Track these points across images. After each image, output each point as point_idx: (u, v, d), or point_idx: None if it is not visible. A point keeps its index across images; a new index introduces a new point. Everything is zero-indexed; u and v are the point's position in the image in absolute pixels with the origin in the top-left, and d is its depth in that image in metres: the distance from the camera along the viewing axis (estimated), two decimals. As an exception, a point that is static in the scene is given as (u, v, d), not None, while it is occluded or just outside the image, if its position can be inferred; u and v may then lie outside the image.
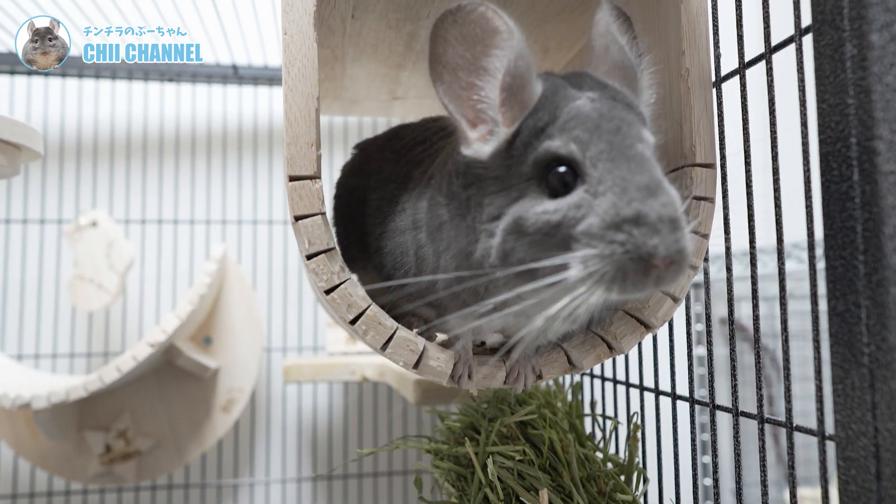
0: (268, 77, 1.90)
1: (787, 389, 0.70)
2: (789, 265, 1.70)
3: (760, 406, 0.75)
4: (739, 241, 0.79)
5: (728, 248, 0.77)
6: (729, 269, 0.79)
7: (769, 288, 1.88)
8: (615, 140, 0.58)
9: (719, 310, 2.13)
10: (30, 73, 1.80)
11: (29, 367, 1.78)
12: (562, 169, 0.59)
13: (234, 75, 1.87)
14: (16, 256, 1.83)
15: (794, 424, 0.70)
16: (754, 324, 0.75)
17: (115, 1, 1.59)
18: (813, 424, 0.67)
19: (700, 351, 1.93)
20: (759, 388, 0.75)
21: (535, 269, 0.59)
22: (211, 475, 1.88)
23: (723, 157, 0.82)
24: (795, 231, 0.82)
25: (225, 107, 1.96)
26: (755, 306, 0.75)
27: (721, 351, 2.02)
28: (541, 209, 0.59)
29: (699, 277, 0.85)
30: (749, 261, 0.75)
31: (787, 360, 0.70)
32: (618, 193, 0.55)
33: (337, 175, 1.03)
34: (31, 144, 1.04)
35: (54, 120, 1.88)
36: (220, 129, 1.96)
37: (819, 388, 0.66)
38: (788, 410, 0.70)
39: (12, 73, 1.80)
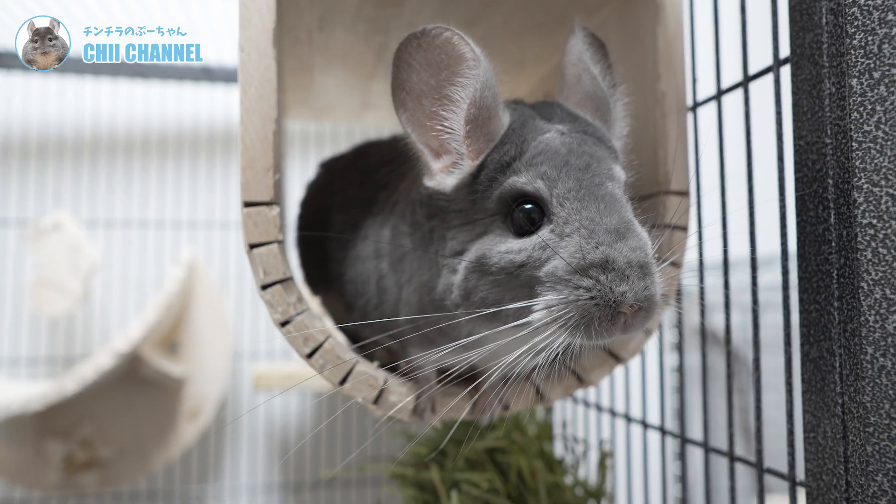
0: (240, 77, 1.84)
1: (759, 430, 0.68)
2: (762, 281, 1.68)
3: (731, 444, 0.73)
4: (713, 255, 0.77)
5: (702, 290, 0.75)
6: (702, 315, 0.76)
7: (742, 299, 1.86)
8: (584, 178, 0.55)
9: (692, 319, 2.11)
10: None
11: (-12, 371, 1.73)
12: (528, 206, 0.56)
13: (206, 74, 1.81)
14: (-25, 258, 1.77)
15: (766, 467, 0.68)
16: (728, 371, 0.73)
17: (83, 2, 1.53)
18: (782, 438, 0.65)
19: (672, 360, 1.91)
20: (730, 424, 0.73)
21: (498, 311, 0.56)
22: (176, 483, 1.83)
23: (698, 182, 0.80)
24: (769, 274, 0.80)
25: (196, 106, 1.90)
26: (728, 364, 0.73)
27: (693, 361, 2.00)
28: (505, 248, 0.56)
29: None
30: (723, 301, 0.73)
31: (758, 402, 0.68)
32: (585, 236, 0.53)
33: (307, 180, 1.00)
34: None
35: (17, 117, 1.81)
36: (191, 129, 1.90)
37: (790, 433, 0.64)
38: (759, 452, 0.68)
39: (-28, 68, 1.73)
